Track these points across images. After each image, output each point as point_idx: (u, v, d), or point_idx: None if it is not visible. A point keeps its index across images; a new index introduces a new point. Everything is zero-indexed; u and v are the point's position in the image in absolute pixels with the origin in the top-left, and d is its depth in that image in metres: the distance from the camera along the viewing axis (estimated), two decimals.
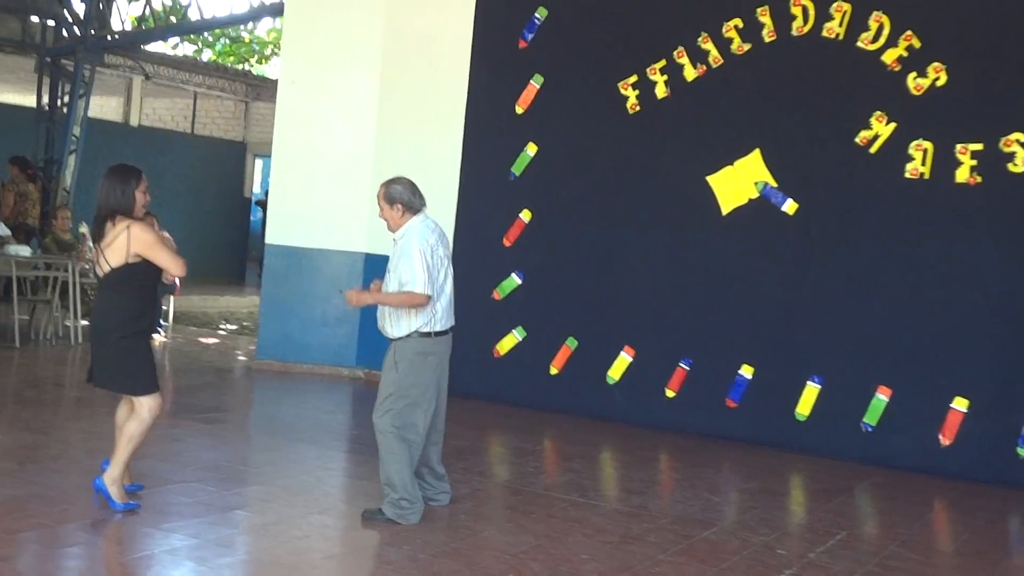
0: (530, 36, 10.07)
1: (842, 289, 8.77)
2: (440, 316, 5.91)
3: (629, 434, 9.00)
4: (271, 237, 11.00)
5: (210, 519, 5.73)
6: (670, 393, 9.29)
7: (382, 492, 5.93)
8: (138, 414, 5.64)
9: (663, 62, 9.45)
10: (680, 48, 9.36)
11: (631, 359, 9.48)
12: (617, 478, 8.05)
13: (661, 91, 9.48)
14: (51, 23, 16.00)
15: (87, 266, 11.45)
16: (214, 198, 20.11)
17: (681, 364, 9.27)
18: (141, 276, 5.60)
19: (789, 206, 8.93)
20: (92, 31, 15.61)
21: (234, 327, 14.62)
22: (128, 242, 5.47)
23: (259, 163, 21.59)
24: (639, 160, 9.61)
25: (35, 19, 15.92)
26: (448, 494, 6.32)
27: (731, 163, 9.17)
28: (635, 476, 7.83)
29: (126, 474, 5.77)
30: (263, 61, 26.37)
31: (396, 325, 5.89)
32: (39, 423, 7.76)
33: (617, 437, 8.96)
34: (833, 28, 8.75)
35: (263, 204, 18.49)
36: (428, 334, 5.88)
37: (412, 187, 5.97)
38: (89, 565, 5.18)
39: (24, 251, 11.42)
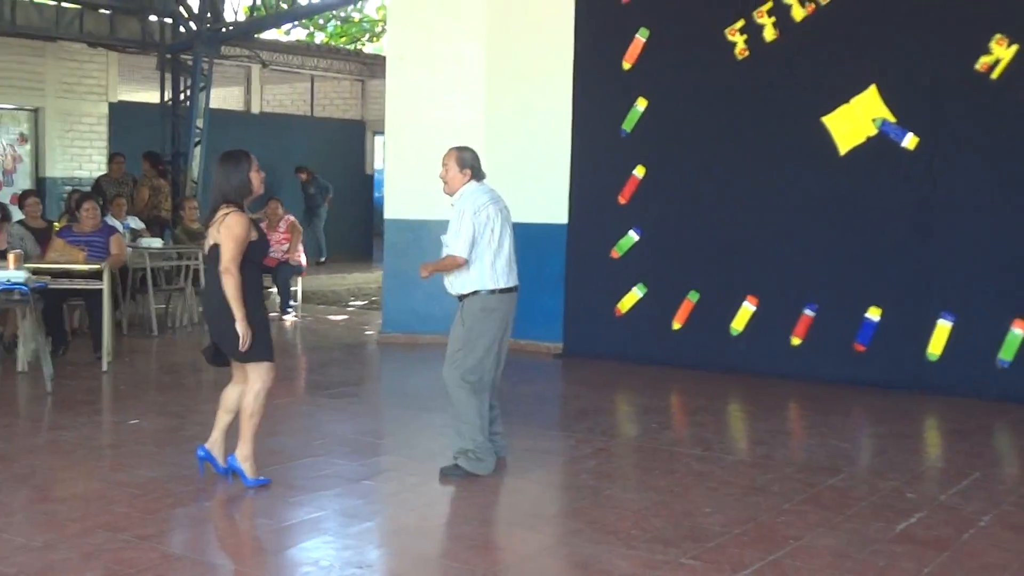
0: None
1: (969, 222, 8.49)
2: (500, 274, 6.14)
3: (755, 385, 8.89)
4: (390, 212, 11.17)
5: (338, 490, 5.88)
6: (796, 341, 9.14)
7: (454, 447, 6.11)
8: (252, 387, 5.77)
9: (770, 4, 9.24)
10: None
11: (754, 308, 9.35)
12: (742, 430, 7.97)
13: (770, 34, 9.28)
14: (168, 21, 16.49)
15: None
16: (337, 177, 20.43)
17: (806, 311, 9.11)
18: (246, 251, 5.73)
19: (910, 141, 8.67)
20: (207, 25, 16.02)
21: (363, 303, 14.89)
22: (220, 228, 5.62)
23: (378, 140, 21.89)
24: (751, 106, 9.43)
25: (153, 18, 16.42)
26: (505, 446, 6.39)
27: (847, 101, 8.93)
28: (760, 427, 7.73)
29: (224, 452, 5.95)
30: (375, 39, 26.67)
31: (459, 284, 6.17)
32: (176, 407, 8.05)
33: (742, 389, 8.86)
34: None
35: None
36: (493, 291, 6.11)
37: (478, 158, 6.30)
38: (225, 539, 5.38)
39: (156, 243, 11.83)
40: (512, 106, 10.66)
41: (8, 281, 8.20)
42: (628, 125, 10.03)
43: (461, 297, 6.21)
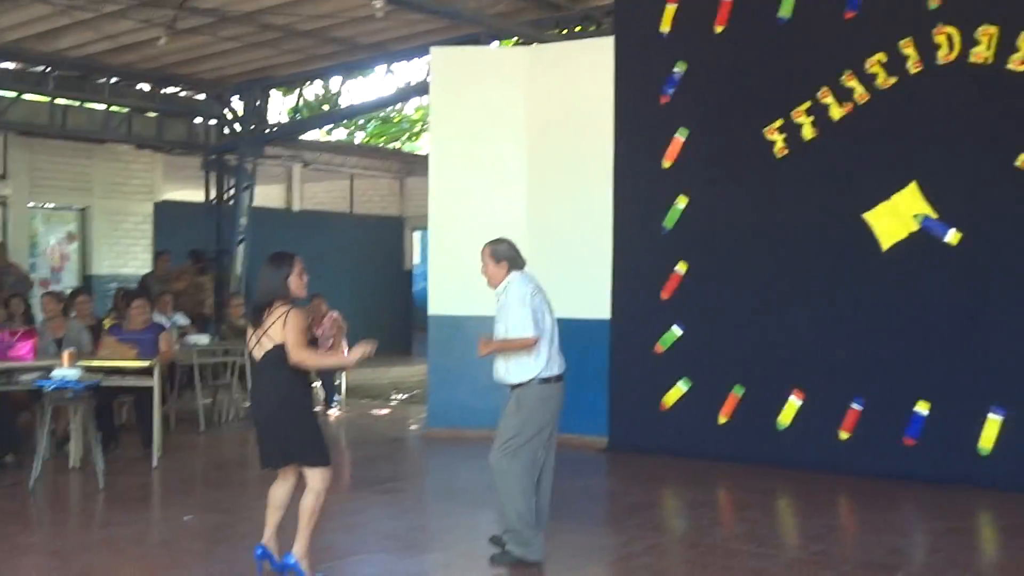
0: (671, 91, 10.14)
1: (1016, 315, 8.49)
2: (553, 361, 6.20)
3: (804, 480, 8.83)
4: (433, 308, 11.28)
5: None
6: (844, 435, 9.10)
7: (503, 533, 6.12)
8: (312, 488, 5.81)
9: (808, 104, 9.38)
10: (824, 88, 9.28)
11: (800, 402, 9.34)
12: (795, 525, 7.92)
13: (808, 133, 9.41)
14: (213, 123, 16.88)
15: None
16: (376, 273, 20.66)
17: (853, 404, 9.08)
18: None
19: (952, 236, 8.72)
20: (251, 127, 16.38)
21: (404, 396, 14.95)
22: (284, 326, 5.71)
23: (416, 236, 22.16)
24: (792, 204, 9.53)
25: (199, 120, 16.81)
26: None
27: (887, 198, 9.01)
28: (814, 522, 7.67)
29: (278, 549, 5.96)
30: (413, 138, 27.13)
31: (515, 372, 6.19)
32: (227, 504, 8.09)
33: (792, 483, 8.80)
34: (981, 52, 8.57)
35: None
36: (547, 379, 6.16)
37: (515, 247, 6.38)
38: None
39: (203, 339, 11.97)
40: (553, 204, 10.81)
41: (63, 379, 8.34)
42: (669, 222, 10.14)
43: (514, 387, 6.22)
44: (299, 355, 5.67)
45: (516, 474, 6.11)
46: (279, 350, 5.71)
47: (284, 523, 5.96)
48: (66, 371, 8.38)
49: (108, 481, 8.33)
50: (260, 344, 5.79)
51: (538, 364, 6.14)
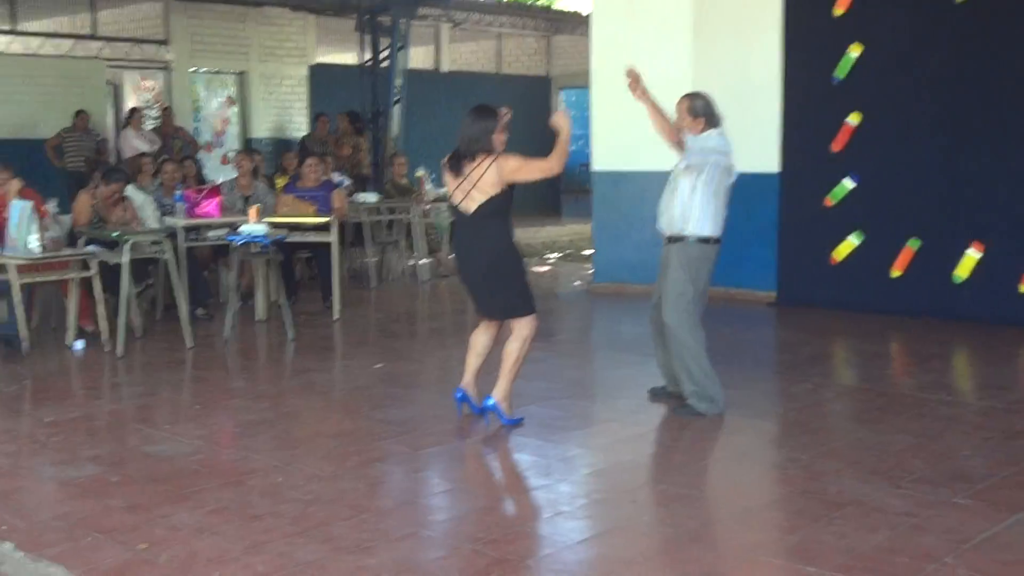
0: None
1: None
2: (720, 224, 6.19)
3: (983, 332, 8.70)
4: (597, 164, 11.30)
5: (590, 431, 6.10)
6: None
7: (686, 388, 6.18)
8: (520, 334, 5.96)
9: None
10: None
11: (979, 255, 9.15)
12: (982, 375, 7.82)
13: None
14: None
15: (426, 207, 12.20)
16: (524, 133, 20.52)
17: None
18: (509, 202, 5.93)
19: None
20: None
21: (559, 255, 15.12)
22: (498, 172, 5.78)
23: (563, 95, 22.01)
24: (974, 46, 9.16)
25: None
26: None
27: None
28: (1003, 373, 7.58)
29: (477, 393, 6.16)
30: None
31: (682, 218, 6.14)
32: (411, 352, 8.40)
33: (971, 336, 8.68)
34: None
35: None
36: (707, 239, 6.14)
37: (712, 103, 6.24)
38: (493, 474, 5.65)
39: (371, 198, 12.20)
40: (720, 55, 10.57)
41: (251, 234, 8.65)
42: (841, 72, 9.87)
43: (674, 239, 6.21)
44: (546, 165, 5.77)
45: (694, 330, 6.17)
46: (494, 203, 5.79)
47: (487, 369, 6.14)
48: (254, 227, 8.68)
49: (295, 332, 8.68)
50: (470, 197, 5.83)
51: (705, 221, 6.11)
